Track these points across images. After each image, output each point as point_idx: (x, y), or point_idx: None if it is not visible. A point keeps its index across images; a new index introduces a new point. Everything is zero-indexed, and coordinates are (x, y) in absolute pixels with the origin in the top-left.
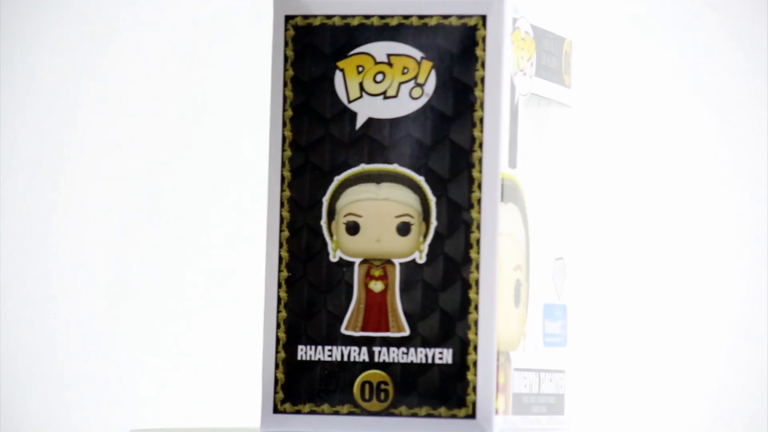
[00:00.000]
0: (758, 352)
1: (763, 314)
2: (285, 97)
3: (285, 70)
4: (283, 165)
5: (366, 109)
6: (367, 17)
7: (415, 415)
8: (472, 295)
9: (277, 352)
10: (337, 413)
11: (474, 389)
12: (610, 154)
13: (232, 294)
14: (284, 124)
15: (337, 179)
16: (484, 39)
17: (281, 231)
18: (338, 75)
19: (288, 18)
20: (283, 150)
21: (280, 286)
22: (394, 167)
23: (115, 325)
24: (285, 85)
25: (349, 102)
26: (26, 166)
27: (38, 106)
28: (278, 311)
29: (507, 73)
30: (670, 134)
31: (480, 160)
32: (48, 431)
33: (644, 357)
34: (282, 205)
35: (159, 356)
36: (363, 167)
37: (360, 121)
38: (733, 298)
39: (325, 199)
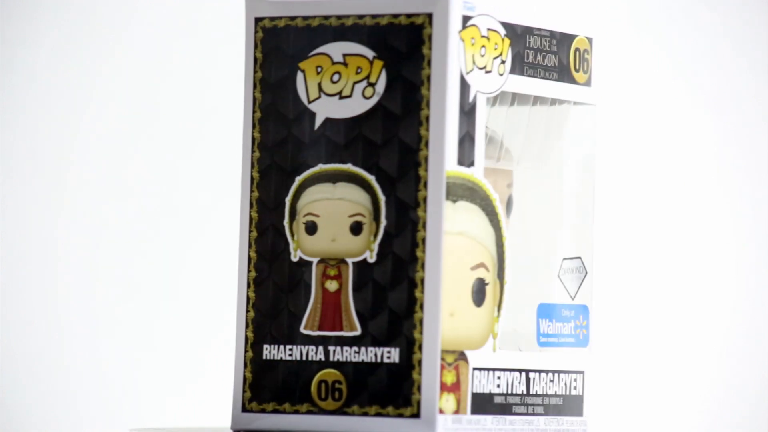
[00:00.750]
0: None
1: (760, 317)
2: (254, 99)
3: (254, 71)
4: (252, 166)
5: (324, 110)
6: (326, 18)
7: (366, 414)
8: (417, 294)
9: (245, 351)
10: (296, 412)
11: (419, 388)
12: (617, 154)
13: (233, 294)
14: (254, 126)
15: (298, 179)
16: (430, 37)
17: (250, 231)
18: (300, 76)
19: (258, 20)
20: (253, 151)
21: (249, 286)
22: (348, 167)
23: (114, 325)
24: (254, 86)
25: (309, 102)
26: (24, 165)
27: (37, 105)
28: (247, 311)
29: (454, 71)
30: (672, 134)
31: (426, 159)
32: (49, 429)
33: (660, 358)
34: (251, 205)
35: (158, 356)
36: (321, 167)
37: (318, 122)
38: (742, 298)
39: (288, 200)
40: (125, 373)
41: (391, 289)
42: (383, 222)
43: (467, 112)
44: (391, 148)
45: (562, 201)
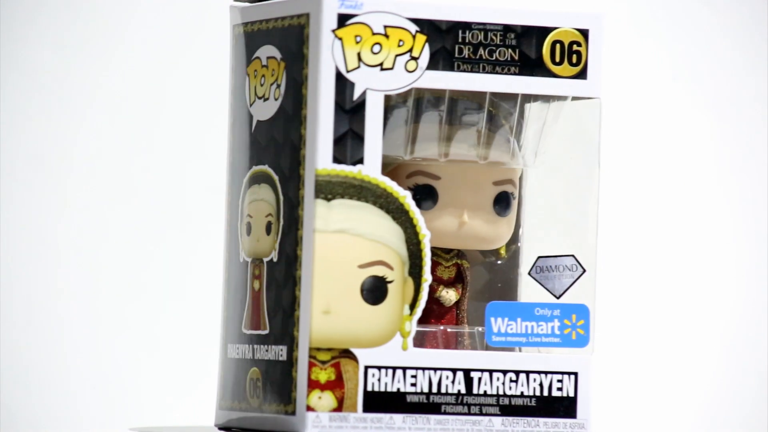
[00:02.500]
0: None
1: (760, 317)
2: (230, 104)
3: (230, 78)
4: (227, 169)
5: (256, 112)
6: (264, 22)
7: (271, 411)
8: (297, 292)
9: (220, 350)
10: (240, 410)
11: (295, 386)
12: (619, 150)
13: None
14: (229, 130)
15: (243, 181)
16: (308, 37)
17: (226, 233)
18: (246, 80)
19: (234, 26)
20: (229, 155)
21: (223, 286)
22: (265, 168)
23: (114, 324)
24: (230, 92)
25: (249, 105)
26: (24, 165)
27: (38, 105)
28: (223, 310)
29: (329, 70)
30: (670, 134)
31: (304, 158)
32: (47, 430)
33: (665, 358)
34: (227, 208)
35: (158, 355)
36: (253, 169)
37: (253, 124)
38: (743, 297)
39: (239, 202)
40: (125, 372)
41: (284, 288)
42: (281, 221)
43: (351, 110)
44: (286, 148)
45: (556, 198)
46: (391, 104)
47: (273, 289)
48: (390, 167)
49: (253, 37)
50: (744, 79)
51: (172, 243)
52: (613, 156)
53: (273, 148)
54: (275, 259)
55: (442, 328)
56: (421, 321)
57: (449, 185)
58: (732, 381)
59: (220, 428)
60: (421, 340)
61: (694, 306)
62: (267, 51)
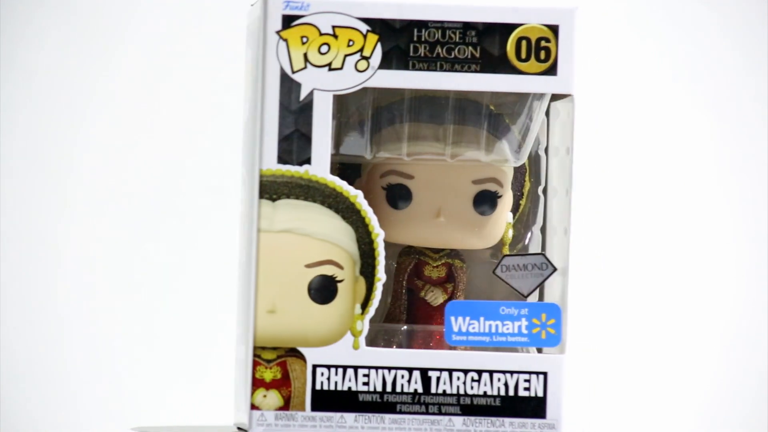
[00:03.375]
0: (756, 353)
1: (761, 316)
2: None
3: None
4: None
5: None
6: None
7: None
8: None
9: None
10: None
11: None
12: (609, 152)
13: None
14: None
15: None
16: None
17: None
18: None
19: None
20: None
21: None
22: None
23: (116, 323)
24: None
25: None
26: (24, 165)
27: (38, 105)
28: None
29: (272, 71)
30: (669, 134)
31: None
32: (49, 429)
33: (655, 359)
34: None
35: (160, 354)
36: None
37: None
38: (731, 299)
39: None
40: (127, 371)
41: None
42: (244, 223)
43: (297, 110)
44: (246, 149)
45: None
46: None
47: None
48: (369, 167)
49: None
50: (744, 79)
51: (173, 243)
52: (613, 156)
53: (244, 150)
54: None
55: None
56: (410, 321)
57: (423, 184)
58: (731, 381)
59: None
60: (407, 341)
61: (694, 306)
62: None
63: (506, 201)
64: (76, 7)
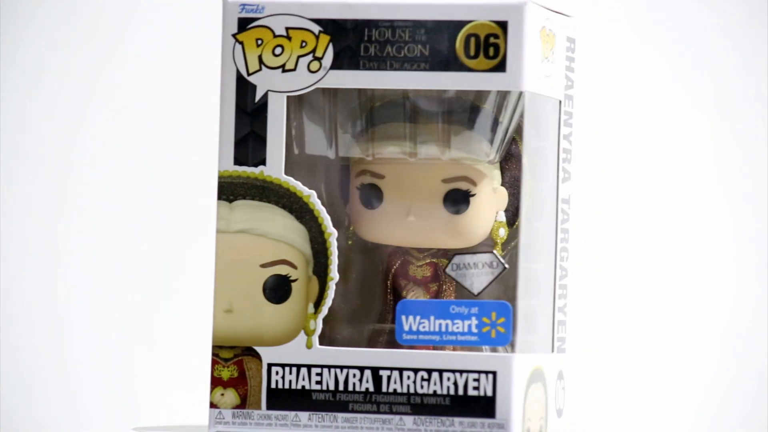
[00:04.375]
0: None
1: (761, 316)
2: None
3: None
4: None
5: None
6: None
7: None
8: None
9: None
10: None
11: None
12: (608, 153)
13: None
14: None
15: None
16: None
17: None
18: None
19: None
20: None
21: None
22: None
23: (117, 323)
24: None
25: None
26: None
27: (37, 105)
28: None
29: (229, 74)
30: (668, 134)
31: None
32: (50, 429)
33: (654, 359)
34: None
35: (162, 354)
36: None
37: None
38: (731, 299)
39: None
40: (129, 371)
41: None
42: None
43: (252, 112)
44: None
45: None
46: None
47: None
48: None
49: None
50: (744, 79)
51: (174, 242)
52: (612, 156)
53: None
54: None
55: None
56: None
57: (394, 184)
58: (731, 381)
59: None
60: (393, 341)
61: (694, 306)
62: None
63: (483, 200)
64: (76, 7)
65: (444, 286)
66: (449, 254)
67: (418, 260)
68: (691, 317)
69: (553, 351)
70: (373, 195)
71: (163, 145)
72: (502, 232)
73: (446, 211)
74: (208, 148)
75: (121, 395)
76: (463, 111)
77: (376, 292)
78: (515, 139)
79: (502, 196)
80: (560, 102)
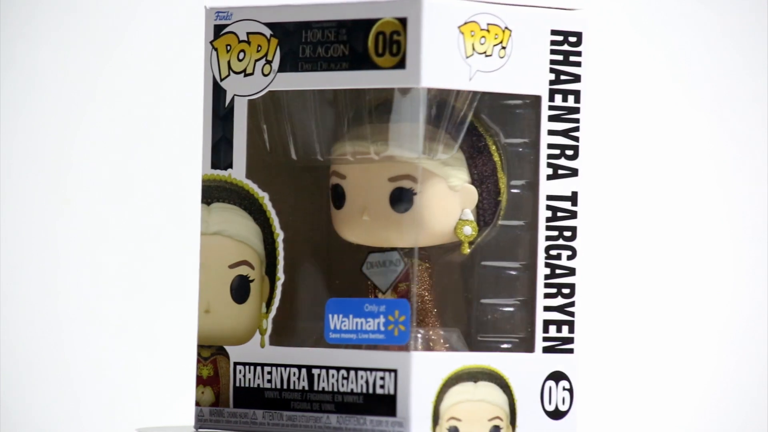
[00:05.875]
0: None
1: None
2: None
3: None
4: None
5: None
6: None
7: None
8: None
9: None
10: None
11: None
12: (609, 153)
13: None
14: None
15: None
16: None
17: None
18: None
19: None
20: None
21: None
22: None
23: (120, 324)
24: None
25: None
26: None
27: (37, 105)
28: None
29: (209, 78)
30: (668, 134)
31: None
32: (53, 430)
33: (654, 359)
34: None
35: (165, 355)
36: None
37: None
38: (730, 299)
39: None
40: (132, 372)
41: None
42: None
43: (223, 116)
44: None
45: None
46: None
47: None
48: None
49: None
50: (744, 79)
51: (176, 244)
52: (613, 155)
53: None
54: None
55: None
56: None
57: (353, 184)
58: (731, 381)
59: None
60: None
61: (693, 306)
62: None
63: (430, 198)
64: (76, 7)
65: (413, 287)
66: (422, 255)
67: None
68: (690, 317)
69: (533, 351)
70: (338, 195)
71: (161, 147)
72: (468, 230)
73: (392, 209)
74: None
75: (124, 396)
76: (399, 109)
77: (362, 291)
78: (482, 136)
79: (467, 193)
80: (540, 97)
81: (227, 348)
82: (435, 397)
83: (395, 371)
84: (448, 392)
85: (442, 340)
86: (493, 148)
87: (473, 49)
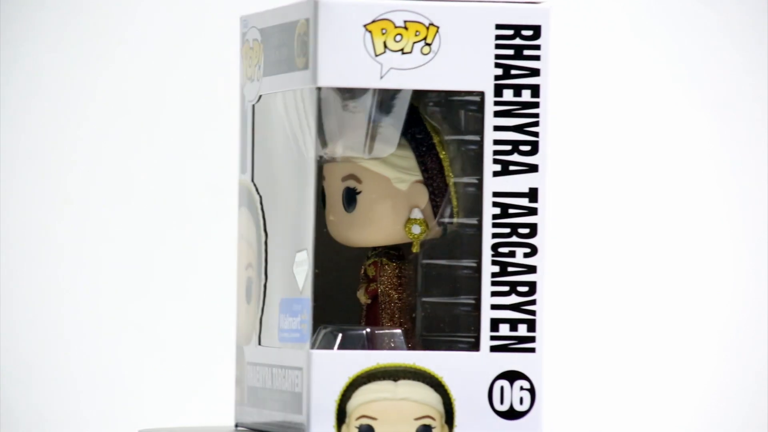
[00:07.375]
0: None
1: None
2: None
3: None
4: None
5: None
6: None
7: None
8: None
9: None
10: None
11: None
12: (604, 154)
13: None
14: None
15: None
16: None
17: None
18: None
19: None
20: None
21: None
22: None
23: (123, 324)
24: None
25: None
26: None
27: (37, 105)
28: None
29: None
30: (668, 134)
31: None
32: (55, 431)
33: (654, 360)
34: None
35: (168, 356)
36: None
37: None
38: (730, 299)
39: None
40: (134, 372)
41: None
42: None
43: (242, 121)
44: None
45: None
46: None
47: None
48: None
49: None
50: (744, 79)
51: (178, 244)
52: (612, 155)
53: None
54: None
55: (368, 330)
56: (367, 323)
57: (326, 184)
58: (731, 381)
59: None
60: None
61: (693, 306)
62: None
63: (373, 197)
64: (76, 7)
65: (381, 286)
66: (390, 254)
67: (368, 258)
68: (690, 317)
69: (478, 349)
70: (322, 196)
71: (164, 147)
72: (416, 229)
73: (346, 209)
74: (208, 150)
75: (127, 397)
76: (344, 110)
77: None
78: (429, 134)
79: (416, 192)
80: (483, 94)
81: (245, 348)
82: (339, 395)
83: (300, 369)
84: (357, 391)
85: (386, 339)
86: (440, 146)
87: (385, 46)
